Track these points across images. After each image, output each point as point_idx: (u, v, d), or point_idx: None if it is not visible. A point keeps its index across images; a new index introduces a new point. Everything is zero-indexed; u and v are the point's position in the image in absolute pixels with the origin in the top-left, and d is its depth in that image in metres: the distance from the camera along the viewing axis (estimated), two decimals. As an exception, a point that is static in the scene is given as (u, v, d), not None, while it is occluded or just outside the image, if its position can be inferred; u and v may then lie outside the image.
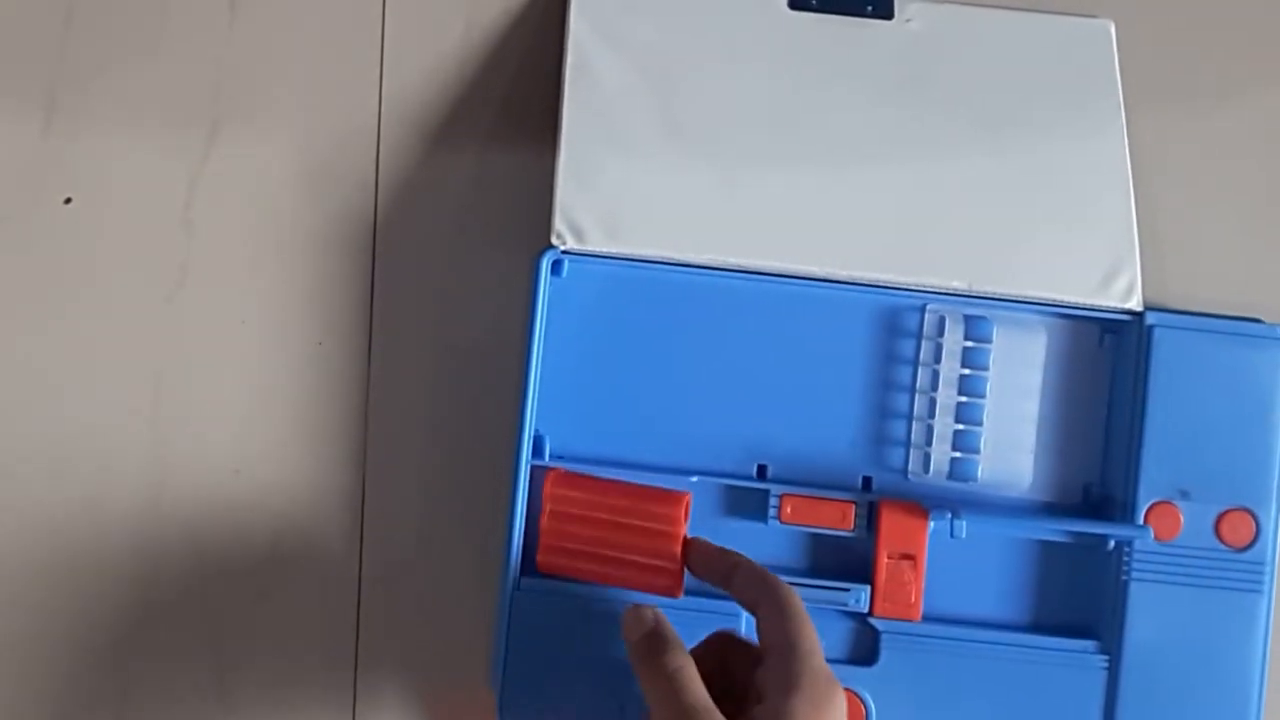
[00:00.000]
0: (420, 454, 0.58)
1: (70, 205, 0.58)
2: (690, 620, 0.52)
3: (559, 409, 0.56)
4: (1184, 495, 0.55)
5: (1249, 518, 0.55)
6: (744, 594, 0.50)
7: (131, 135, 0.58)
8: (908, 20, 0.57)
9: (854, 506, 0.55)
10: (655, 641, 0.50)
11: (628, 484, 0.54)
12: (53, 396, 0.58)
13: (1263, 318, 0.56)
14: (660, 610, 0.51)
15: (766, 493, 0.55)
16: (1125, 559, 0.54)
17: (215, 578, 0.58)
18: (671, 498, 0.53)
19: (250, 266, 0.58)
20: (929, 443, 0.56)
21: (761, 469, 0.56)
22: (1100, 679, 0.55)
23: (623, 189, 0.55)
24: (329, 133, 0.59)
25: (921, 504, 0.55)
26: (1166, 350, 0.55)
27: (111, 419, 0.58)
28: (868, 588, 0.55)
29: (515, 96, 0.59)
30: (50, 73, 0.58)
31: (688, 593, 0.53)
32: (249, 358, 0.58)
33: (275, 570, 0.58)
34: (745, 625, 0.54)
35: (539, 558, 0.54)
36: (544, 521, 0.54)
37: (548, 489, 0.54)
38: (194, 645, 0.58)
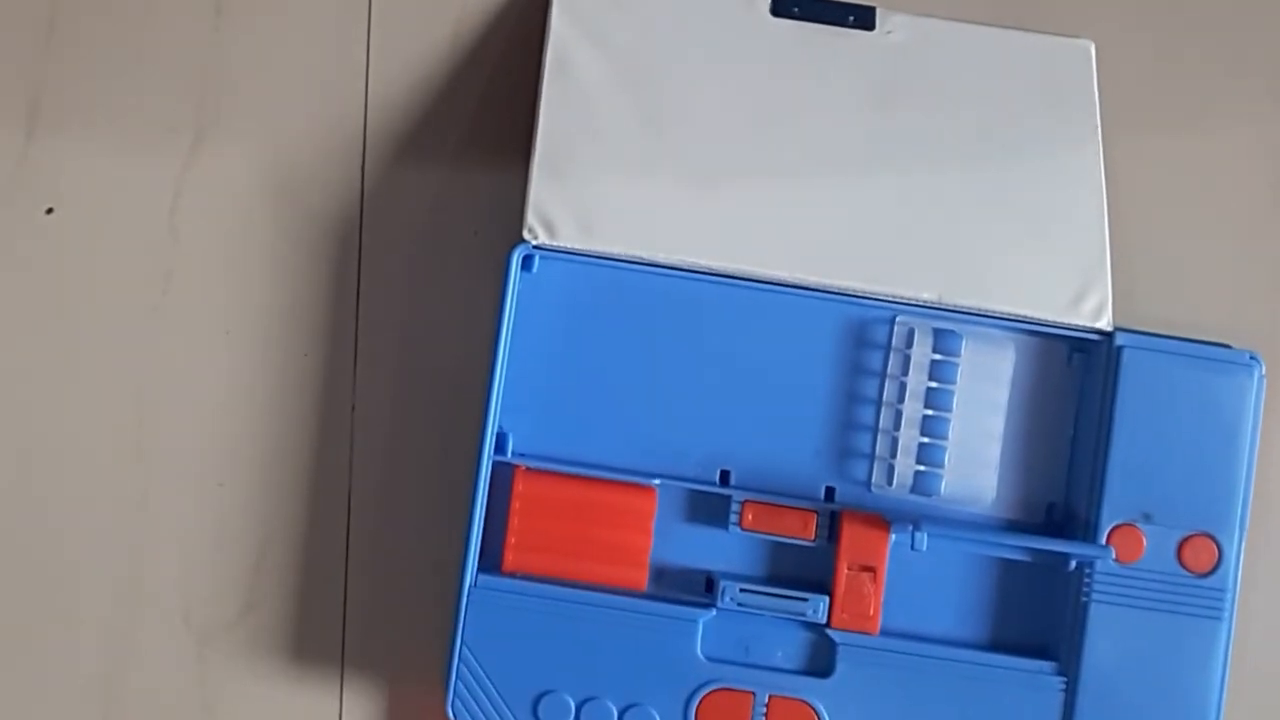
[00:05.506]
0: (408, 464, 0.58)
1: (52, 215, 0.57)
2: (645, 623, 0.53)
3: (524, 406, 0.55)
4: (1147, 518, 0.54)
5: (1212, 544, 0.54)
6: None
7: (115, 143, 0.58)
8: (889, 32, 0.57)
9: (816, 516, 0.55)
10: None
11: (594, 479, 0.54)
12: (35, 407, 0.57)
13: (1233, 342, 0.55)
14: None
15: (728, 498, 0.55)
16: (1086, 580, 0.54)
17: (200, 589, 0.57)
18: (641, 491, 0.54)
19: (235, 276, 0.58)
20: (893, 455, 0.56)
21: (724, 474, 0.56)
22: (1057, 700, 0.54)
23: (597, 186, 0.55)
24: (314, 141, 0.58)
25: (884, 516, 0.54)
26: (1135, 372, 0.54)
27: (95, 429, 0.57)
28: (826, 598, 0.54)
29: (505, 107, 0.58)
30: (32, 80, 0.58)
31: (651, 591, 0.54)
32: (234, 368, 0.58)
33: (262, 581, 0.57)
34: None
35: (508, 556, 0.54)
36: (514, 520, 0.54)
37: (518, 486, 0.54)
38: (179, 654, 0.57)
